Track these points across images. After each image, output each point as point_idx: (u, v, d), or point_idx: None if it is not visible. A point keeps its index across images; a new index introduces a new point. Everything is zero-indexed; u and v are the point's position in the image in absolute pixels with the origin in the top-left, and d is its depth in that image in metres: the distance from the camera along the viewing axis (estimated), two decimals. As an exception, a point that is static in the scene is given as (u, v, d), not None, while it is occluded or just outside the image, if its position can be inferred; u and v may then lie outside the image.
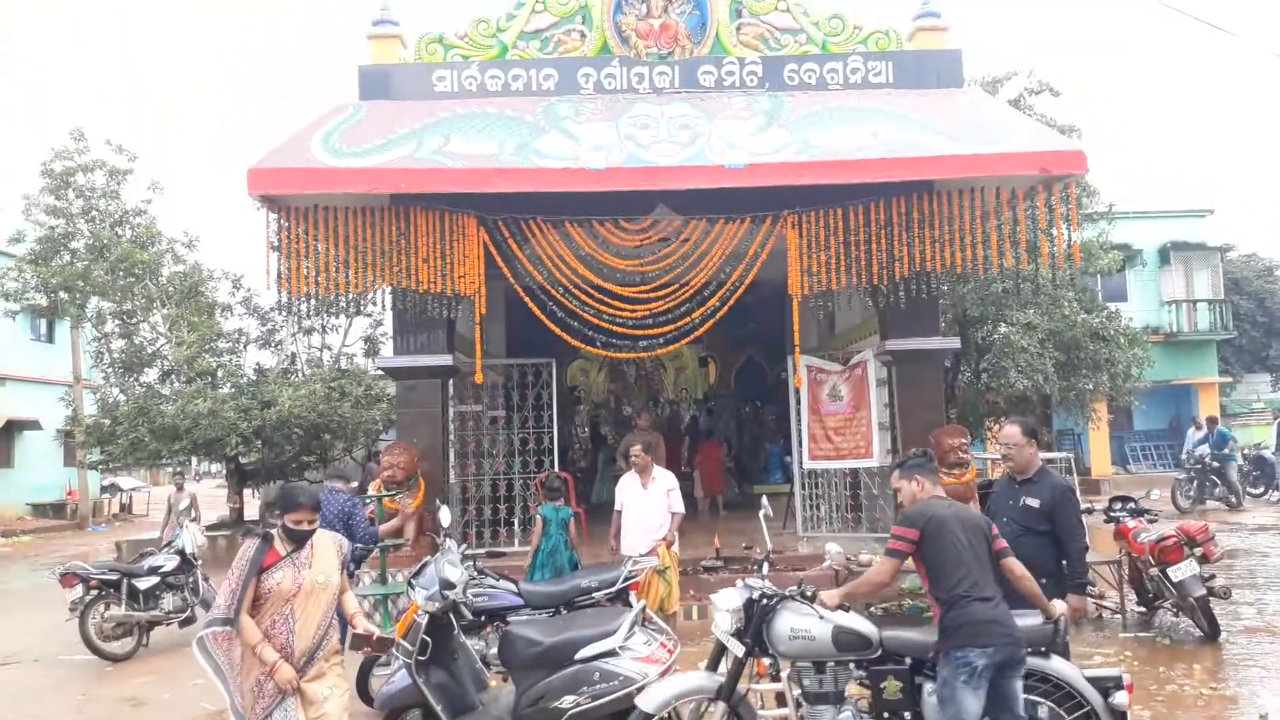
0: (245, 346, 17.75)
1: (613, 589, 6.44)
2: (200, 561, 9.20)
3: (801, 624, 4.34)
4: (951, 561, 4.09)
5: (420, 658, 4.85)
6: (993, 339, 14.45)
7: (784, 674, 4.47)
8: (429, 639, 4.87)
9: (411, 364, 10.01)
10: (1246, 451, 19.05)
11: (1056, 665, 4.30)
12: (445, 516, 6.55)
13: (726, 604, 4.46)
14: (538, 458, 10.98)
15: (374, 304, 10.53)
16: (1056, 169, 8.50)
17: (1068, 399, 15.35)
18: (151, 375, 17.14)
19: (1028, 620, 4.30)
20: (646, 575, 7.06)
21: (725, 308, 9.53)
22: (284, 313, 15.25)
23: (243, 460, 16.05)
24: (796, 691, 4.40)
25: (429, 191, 8.62)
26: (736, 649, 4.41)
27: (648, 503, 7.47)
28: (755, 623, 4.40)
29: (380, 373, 15.37)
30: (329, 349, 18.39)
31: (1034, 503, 4.89)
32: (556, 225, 9.20)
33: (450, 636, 5.07)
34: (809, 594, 4.36)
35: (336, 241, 8.89)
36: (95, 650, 8.17)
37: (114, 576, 8.42)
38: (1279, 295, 28.40)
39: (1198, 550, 7.55)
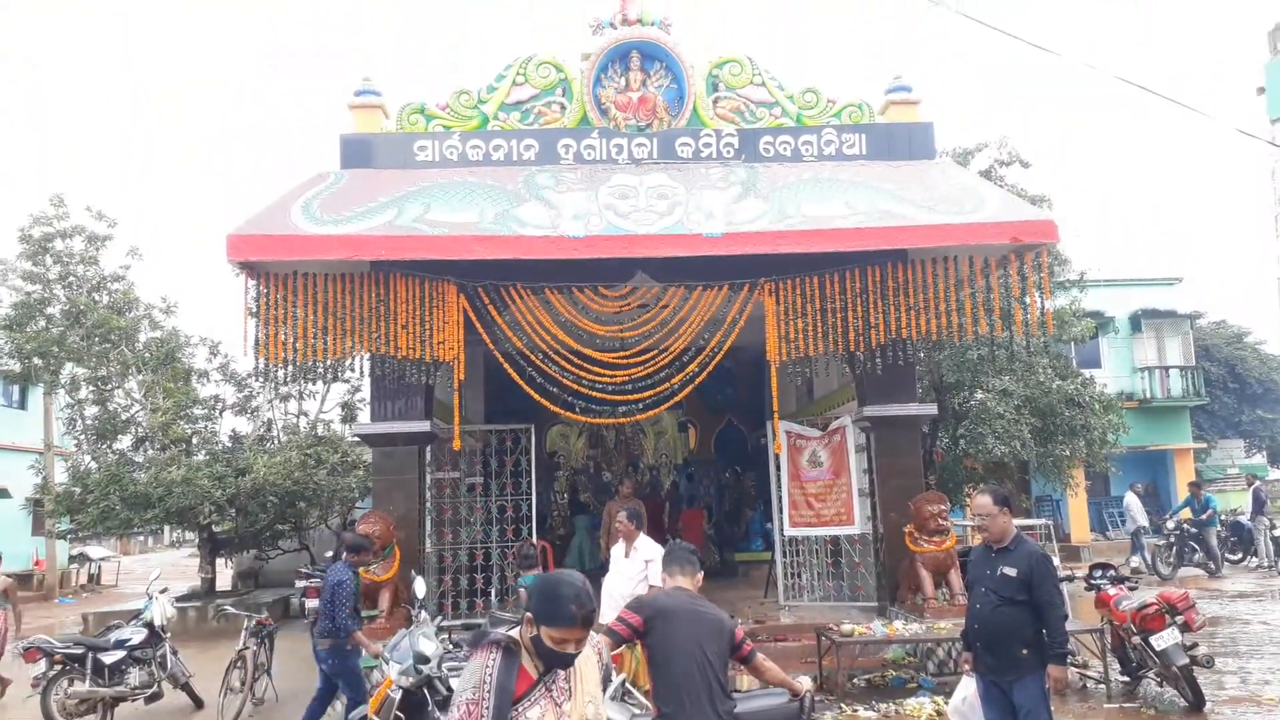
0: (221, 413, 17.56)
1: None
2: (169, 634, 8.97)
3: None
4: (663, 664, 3.94)
5: (393, 735, 4.73)
6: (969, 405, 14.55)
7: None
8: (403, 715, 4.77)
9: (389, 430, 9.94)
10: (1224, 518, 19.13)
11: None
12: (420, 587, 6.47)
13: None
14: (515, 525, 10.87)
15: (352, 370, 10.51)
16: (1028, 238, 8.67)
17: (1045, 465, 15.43)
18: (125, 442, 16.90)
19: (774, 700, 4.32)
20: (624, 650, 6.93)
21: (704, 373, 9.57)
22: (261, 379, 15.16)
23: (216, 529, 15.78)
24: None
25: (409, 258, 8.67)
26: None
27: (622, 573, 7.36)
28: None
29: (357, 439, 15.25)
30: (306, 415, 18.25)
31: (1011, 572, 4.85)
32: (536, 292, 9.25)
33: (424, 713, 4.96)
34: None
35: (315, 308, 8.90)
36: (56, 728, 7.90)
37: (78, 650, 8.17)
38: (1249, 361, 28.84)
39: (1179, 618, 7.52)
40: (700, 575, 4.30)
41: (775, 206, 8.84)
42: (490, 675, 2.63)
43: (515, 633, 2.73)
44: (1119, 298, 24.81)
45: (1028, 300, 9.39)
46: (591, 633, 2.84)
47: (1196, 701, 7.41)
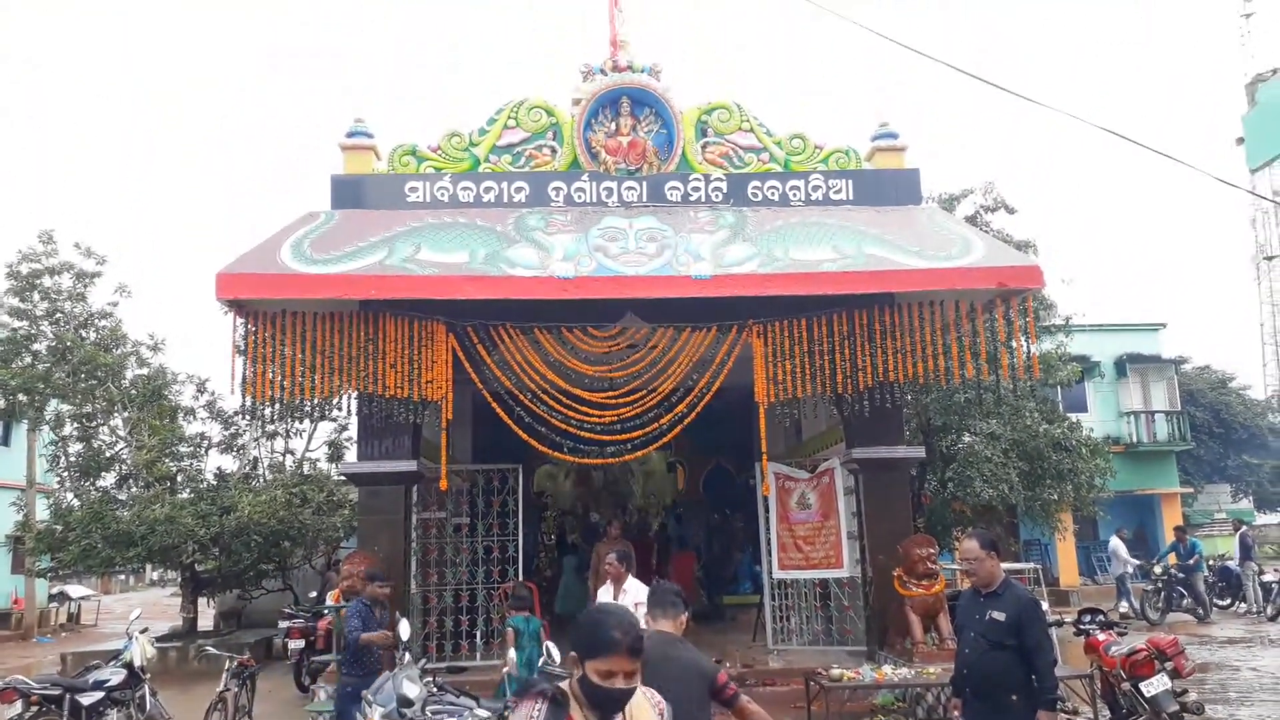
0: (207, 451, 17.44)
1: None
2: (149, 675, 8.83)
3: None
4: None
5: (374, 780, 4.66)
6: (957, 448, 14.57)
7: None
8: (384, 760, 4.70)
9: (375, 470, 9.89)
10: (1211, 563, 19.12)
11: None
12: (404, 629, 6.40)
13: None
14: (502, 567, 10.78)
15: (339, 409, 10.47)
16: (1013, 283, 8.76)
17: (1033, 509, 15.42)
18: (109, 480, 16.75)
19: None
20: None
21: (693, 414, 9.57)
22: (247, 417, 15.09)
23: (199, 568, 15.60)
24: None
25: (399, 298, 8.69)
26: None
27: None
28: None
29: (343, 478, 15.16)
30: (292, 454, 18.13)
31: (999, 616, 4.83)
32: (526, 332, 9.28)
33: (406, 757, 4.89)
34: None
35: (303, 346, 8.89)
36: (31, 771, 7.72)
37: (56, 691, 8.02)
38: (1234, 407, 29.01)
39: (1169, 664, 7.50)
40: (684, 617, 4.25)
41: (763, 250, 8.92)
42: None
43: (565, 685, 2.49)
44: (1104, 343, 25.01)
45: (1014, 344, 9.46)
46: (653, 691, 2.64)
47: (1186, 749, 7.36)
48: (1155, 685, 7.34)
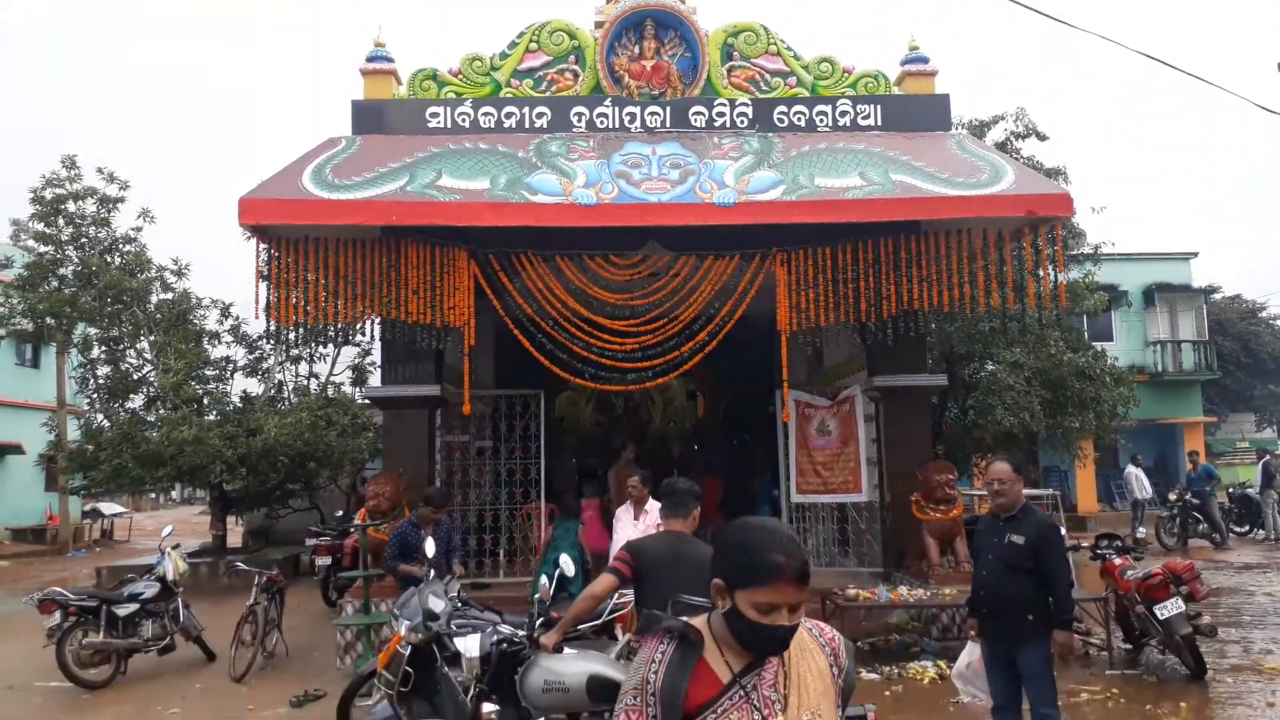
0: (232, 374, 17.67)
1: (598, 621, 6.42)
2: (181, 589, 9.12)
3: (555, 674, 4.22)
4: (650, 602, 3.90)
5: (402, 689, 4.83)
6: (979, 376, 14.54)
7: None
8: (411, 670, 4.86)
9: (399, 394, 10.00)
10: (1232, 490, 19.18)
11: None
12: (430, 547, 6.54)
13: (467, 652, 4.34)
14: (524, 489, 10.98)
15: (362, 334, 10.52)
16: (1042, 211, 8.62)
17: (1054, 437, 15.43)
18: (137, 401, 17.05)
19: None
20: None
21: (714, 342, 9.57)
22: (272, 341, 15.24)
23: (227, 487, 15.94)
24: None
25: (420, 224, 8.67)
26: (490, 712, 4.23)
27: (630, 536, 7.41)
28: (492, 673, 4.30)
29: (367, 402, 15.34)
30: (316, 378, 18.34)
31: (1019, 540, 4.91)
32: (547, 259, 9.26)
33: (434, 668, 5.04)
34: (533, 637, 4.31)
35: (326, 272, 8.92)
36: (72, 678, 8.06)
37: (93, 603, 8.32)
38: (1262, 337, 28.74)
39: (1183, 588, 7.60)
40: (697, 512, 4.33)
41: (788, 177, 8.80)
42: (655, 674, 1.91)
43: (700, 621, 2.01)
44: (1133, 272, 24.70)
45: (1041, 273, 9.36)
46: (825, 627, 2.08)
47: (1198, 670, 7.49)
48: (1169, 608, 7.44)
